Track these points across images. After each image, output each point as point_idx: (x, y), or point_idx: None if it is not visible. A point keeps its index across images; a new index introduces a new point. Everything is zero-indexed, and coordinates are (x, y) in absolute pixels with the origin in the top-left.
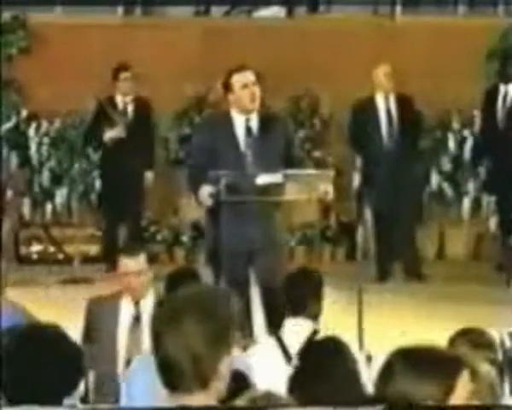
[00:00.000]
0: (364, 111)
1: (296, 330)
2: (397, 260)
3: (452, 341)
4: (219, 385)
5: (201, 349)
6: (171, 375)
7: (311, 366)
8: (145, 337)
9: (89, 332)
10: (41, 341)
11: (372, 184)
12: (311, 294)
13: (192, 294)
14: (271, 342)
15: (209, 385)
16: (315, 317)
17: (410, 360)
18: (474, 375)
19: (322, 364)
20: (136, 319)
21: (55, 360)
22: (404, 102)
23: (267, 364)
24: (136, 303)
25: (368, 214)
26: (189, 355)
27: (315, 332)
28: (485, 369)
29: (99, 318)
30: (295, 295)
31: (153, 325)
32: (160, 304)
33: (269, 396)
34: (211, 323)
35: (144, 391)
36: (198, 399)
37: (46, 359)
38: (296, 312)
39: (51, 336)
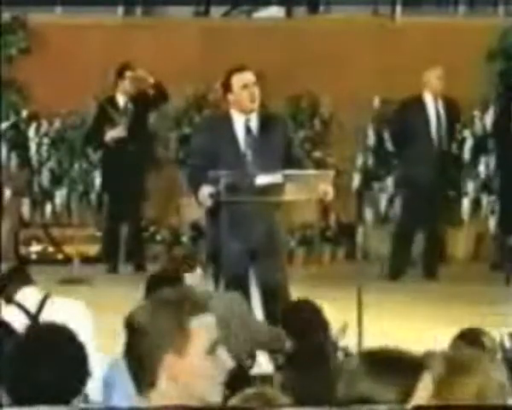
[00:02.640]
0: (413, 110)
1: None
2: (417, 259)
3: (454, 342)
4: (168, 386)
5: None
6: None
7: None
8: None
9: None
10: (47, 341)
11: (408, 184)
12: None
13: (163, 297)
14: None
15: (156, 386)
16: None
17: (368, 362)
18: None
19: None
20: None
21: (60, 360)
22: (451, 106)
23: None
24: None
25: (368, 214)
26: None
27: None
28: (483, 367)
29: None
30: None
31: (128, 324)
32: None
33: (263, 396)
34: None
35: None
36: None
37: (52, 359)
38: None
39: (57, 336)
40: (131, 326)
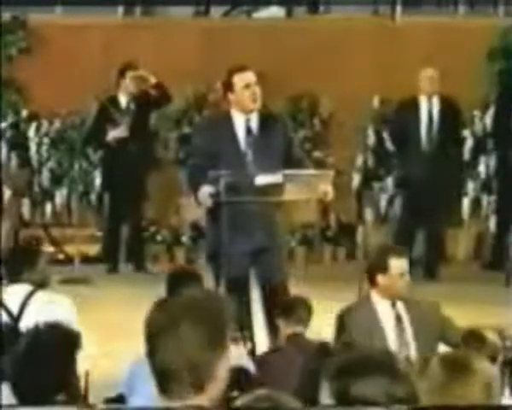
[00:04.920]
0: (407, 111)
1: None
2: (416, 259)
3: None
4: (215, 389)
5: (198, 355)
6: (167, 381)
7: None
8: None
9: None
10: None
11: (406, 184)
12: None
13: (187, 299)
14: None
15: (205, 390)
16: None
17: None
18: (471, 374)
19: None
20: (398, 320)
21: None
22: (448, 105)
23: None
24: (393, 304)
25: (368, 214)
26: (186, 361)
27: None
28: (481, 367)
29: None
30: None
31: (148, 330)
32: (155, 309)
33: (270, 398)
34: (206, 328)
35: (147, 399)
36: (193, 403)
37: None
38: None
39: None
40: None
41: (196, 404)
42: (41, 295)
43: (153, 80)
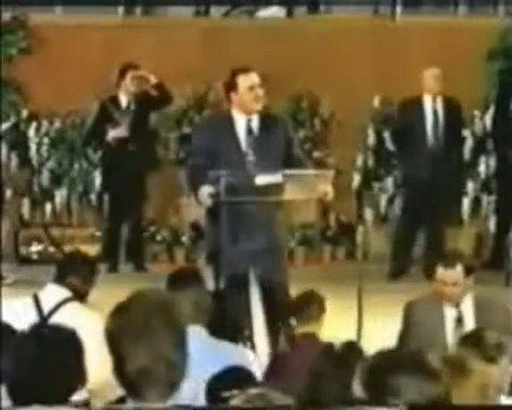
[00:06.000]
0: (411, 110)
1: None
2: (416, 259)
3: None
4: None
5: (174, 356)
6: (143, 384)
7: None
8: None
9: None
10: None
11: (409, 183)
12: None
13: (152, 300)
14: None
15: (177, 389)
16: None
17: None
18: (467, 374)
19: None
20: (458, 321)
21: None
22: (451, 106)
23: None
24: (457, 305)
25: (368, 214)
26: (164, 363)
27: None
28: (478, 368)
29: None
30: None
31: (116, 334)
32: (116, 316)
33: (264, 396)
34: (176, 327)
35: None
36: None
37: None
38: None
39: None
40: None
41: (175, 404)
42: (75, 306)
43: (153, 80)
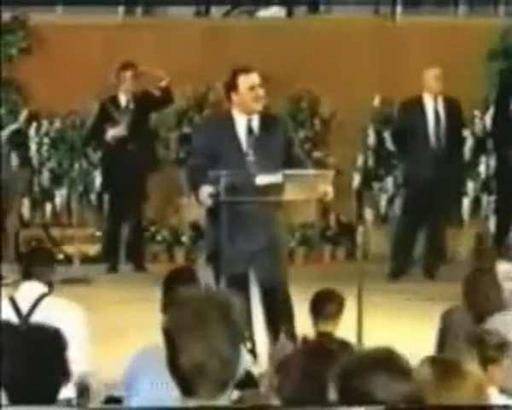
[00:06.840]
0: (412, 111)
1: None
2: (416, 259)
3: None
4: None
5: (228, 353)
6: (196, 381)
7: None
8: None
9: None
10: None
11: (410, 183)
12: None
13: (208, 297)
14: None
15: (229, 388)
16: None
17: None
18: (461, 374)
19: None
20: None
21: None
22: (452, 106)
23: None
24: None
25: (368, 214)
26: (218, 359)
27: None
28: (472, 370)
29: None
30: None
31: (172, 331)
32: (175, 309)
33: (257, 396)
34: (232, 325)
35: (149, 394)
36: (217, 403)
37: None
38: None
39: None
40: None
41: (221, 404)
42: (53, 300)
43: (162, 74)
